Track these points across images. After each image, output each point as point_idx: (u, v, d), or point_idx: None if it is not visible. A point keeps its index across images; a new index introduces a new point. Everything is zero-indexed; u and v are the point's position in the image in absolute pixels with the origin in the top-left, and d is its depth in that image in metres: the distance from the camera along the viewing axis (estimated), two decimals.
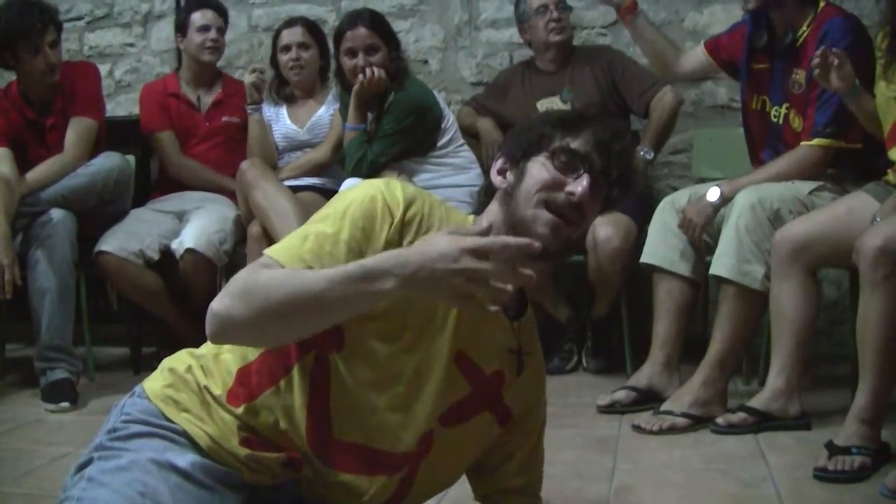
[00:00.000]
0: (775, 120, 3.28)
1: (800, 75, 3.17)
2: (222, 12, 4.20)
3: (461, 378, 1.63)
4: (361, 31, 3.71)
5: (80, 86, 3.84)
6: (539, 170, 1.60)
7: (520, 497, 1.83)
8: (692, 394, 3.01)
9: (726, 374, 3.07)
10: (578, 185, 1.58)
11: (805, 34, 3.16)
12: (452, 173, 3.83)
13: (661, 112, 3.82)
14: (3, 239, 3.39)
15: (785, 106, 3.24)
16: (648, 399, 3.19)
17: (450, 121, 3.87)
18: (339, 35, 3.77)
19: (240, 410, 1.58)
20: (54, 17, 3.72)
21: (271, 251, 1.57)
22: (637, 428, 2.99)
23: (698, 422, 2.97)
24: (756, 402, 2.92)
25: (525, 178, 1.61)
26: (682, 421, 2.97)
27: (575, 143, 1.61)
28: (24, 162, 3.72)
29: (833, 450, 2.53)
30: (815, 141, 3.10)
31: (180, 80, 4.24)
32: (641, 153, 3.76)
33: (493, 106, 4.09)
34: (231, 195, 4.00)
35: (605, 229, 3.52)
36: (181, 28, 4.18)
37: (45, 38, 3.64)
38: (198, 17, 4.12)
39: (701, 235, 3.17)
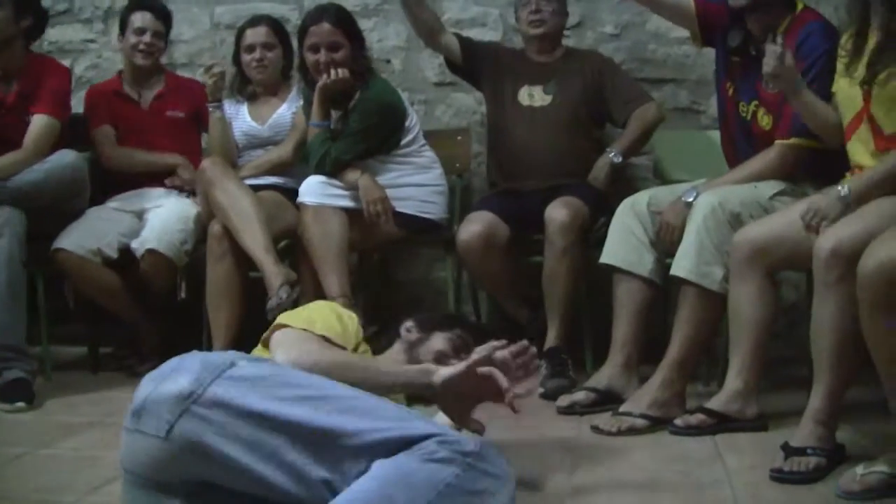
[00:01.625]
0: (743, 115, 3.30)
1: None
2: (162, 16, 4.14)
3: None
4: (325, 26, 3.70)
5: (48, 82, 3.83)
6: (442, 341, 2.43)
7: None
8: (651, 395, 3.02)
9: (685, 376, 3.08)
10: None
11: (784, 33, 3.15)
12: (415, 172, 3.83)
13: (642, 122, 3.84)
14: None
15: (754, 104, 3.25)
16: (608, 400, 3.19)
17: (413, 120, 3.87)
18: (303, 30, 3.77)
19: None
20: None
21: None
22: (596, 429, 2.99)
23: (657, 423, 2.98)
24: (714, 403, 2.93)
25: (430, 340, 2.44)
26: (640, 422, 2.98)
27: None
28: None
29: (789, 451, 2.55)
30: (793, 140, 3.12)
31: (123, 79, 4.20)
32: (610, 155, 3.77)
33: (481, 53, 4.04)
34: (171, 172, 4.03)
35: (556, 209, 3.55)
36: (122, 28, 4.14)
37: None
38: (136, 19, 4.08)
39: (679, 238, 3.14)
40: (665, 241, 3.21)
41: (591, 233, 3.67)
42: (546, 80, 3.93)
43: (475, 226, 3.66)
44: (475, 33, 4.36)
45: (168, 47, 4.30)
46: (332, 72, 3.67)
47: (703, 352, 3.23)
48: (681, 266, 3.03)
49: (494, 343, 2.14)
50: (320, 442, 1.73)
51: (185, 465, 1.83)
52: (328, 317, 2.35)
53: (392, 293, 4.17)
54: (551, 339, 3.60)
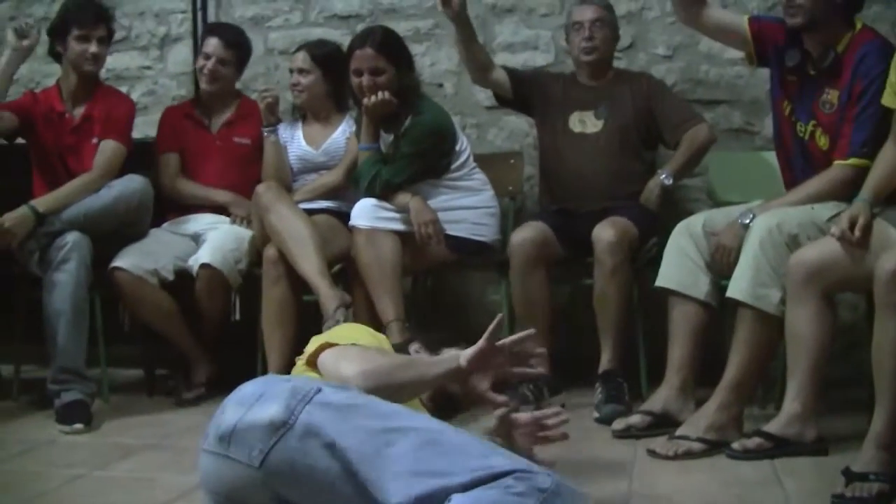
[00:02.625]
0: (801, 135, 3.27)
1: (832, 95, 3.16)
2: (233, 44, 4.19)
3: None
4: (368, 51, 3.74)
5: (115, 112, 3.97)
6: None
7: None
8: (708, 418, 2.99)
9: (742, 399, 3.05)
10: None
11: (844, 51, 3.14)
12: (466, 195, 3.83)
13: (693, 144, 3.80)
14: None
15: (812, 123, 3.22)
16: (664, 423, 3.16)
17: (463, 144, 3.89)
18: (348, 52, 3.81)
19: None
20: (108, 20, 3.95)
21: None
22: (652, 453, 2.96)
23: (714, 447, 2.95)
24: (772, 426, 2.89)
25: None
26: (697, 446, 2.95)
27: None
28: (39, 148, 3.95)
29: (850, 476, 2.51)
30: (851, 160, 3.09)
31: (197, 101, 4.28)
32: (661, 177, 3.75)
33: (530, 85, 4.04)
34: (224, 209, 4.08)
35: (604, 229, 3.54)
36: (197, 52, 4.26)
37: (95, 31, 3.86)
38: (206, 43, 4.18)
39: (735, 260, 3.11)
40: (721, 264, 3.19)
41: (640, 253, 3.66)
42: (597, 105, 3.92)
43: (529, 231, 3.66)
44: (527, 57, 4.38)
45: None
46: (376, 94, 3.69)
47: (761, 375, 3.19)
48: (737, 288, 3.00)
49: (529, 331, 2.28)
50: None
51: (276, 489, 1.83)
52: (364, 334, 2.40)
53: (444, 317, 4.15)
54: (605, 363, 3.57)
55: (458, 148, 3.85)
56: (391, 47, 3.79)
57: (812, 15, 3.13)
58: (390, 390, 2.02)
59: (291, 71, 4.12)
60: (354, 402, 1.86)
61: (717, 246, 3.20)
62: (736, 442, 2.92)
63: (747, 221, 3.12)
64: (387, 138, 3.84)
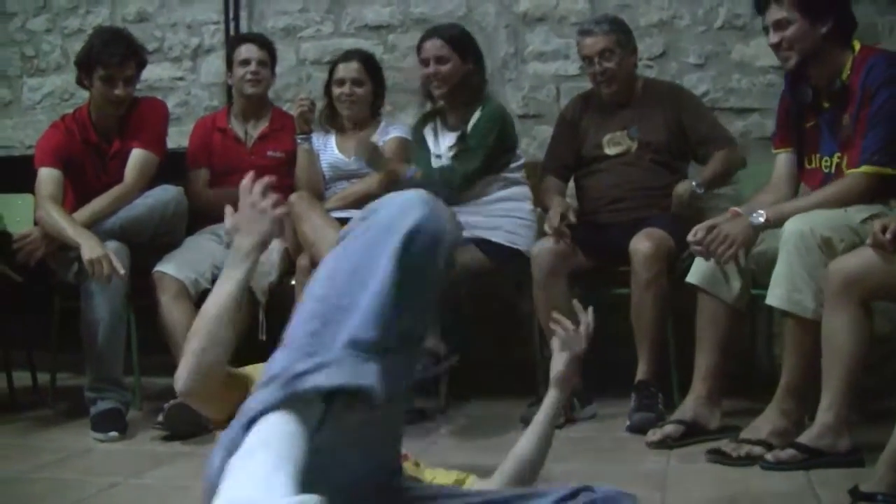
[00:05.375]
0: (826, 171, 3.23)
1: (847, 118, 3.14)
2: (265, 45, 4.22)
3: None
4: (436, 41, 3.84)
5: (147, 120, 3.92)
6: None
7: None
8: (770, 423, 2.98)
9: (802, 404, 3.00)
10: None
11: (848, 77, 3.12)
12: (508, 202, 3.86)
13: (727, 161, 3.83)
14: (90, 238, 3.53)
15: (836, 155, 3.19)
16: (695, 432, 3.16)
17: (520, 152, 3.95)
18: (418, 47, 3.91)
19: None
20: (139, 54, 3.84)
21: None
22: (716, 453, 2.96)
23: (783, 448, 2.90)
24: (805, 437, 2.86)
25: None
26: (758, 449, 2.92)
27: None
28: (82, 184, 3.84)
29: (857, 496, 2.45)
30: (863, 168, 3.06)
31: (230, 114, 4.29)
32: (693, 183, 3.74)
33: (568, 148, 4.03)
34: None
35: (640, 241, 3.54)
36: (229, 65, 4.26)
37: (122, 72, 3.75)
38: (241, 51, 4.19)
39: (736, 254, 3.12)
40: (714, 251, 3.14)
41: (677, 262, 3.64)
42: (628, 125, 3.90)
43: (550, 241, 3.68)
44: (557, 66, 4.40)
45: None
46: (440, 85, 3.84)
47: (815, 378, 3.03)
48: (774, 295, 2.98)
49: None
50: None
51: None
52: None
53: (476, 325, 4.15)
54: (640, 373, 3.56)
55: (516, 154, 3.92)
56: (458, 39, 3.88)
57: (802, 53, 3.12)
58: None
59: (342, 81, 4.11)
60: None
61: (719, 232, 3.14)
62: (769, 453, 2.90)
63: (757, 221, 3.11)
64: (451, 137, 3.88)
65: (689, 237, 3.19)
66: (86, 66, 3.78)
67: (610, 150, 3.90)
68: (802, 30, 3.09)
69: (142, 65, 3.88)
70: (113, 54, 3.72)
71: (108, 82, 3.74)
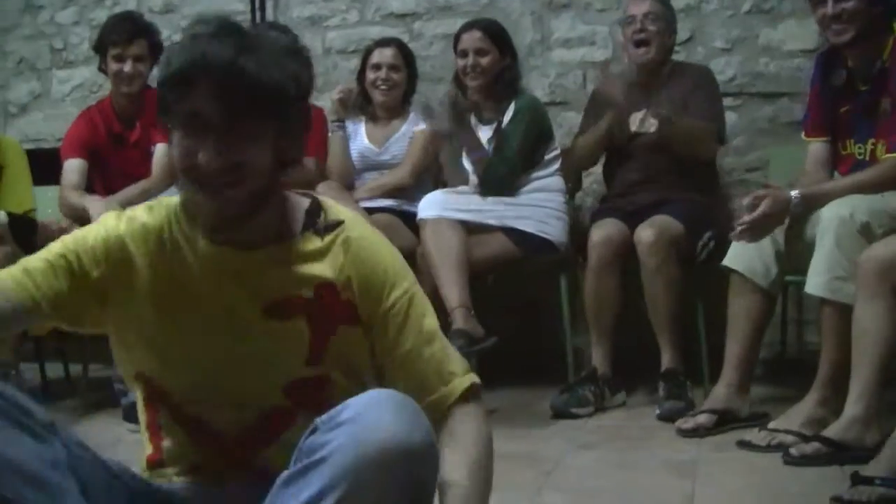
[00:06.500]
0: (860, 157, 3.20)
1: (886, 102, 3.10)
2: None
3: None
4: (475, 33, 3.87)
5: None
6: None
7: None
8: (805, 413, 2.95)
9: (840, 393, 2.93)
10: None
11: (887, 62, 3.09)
12: (540, 193, 3.83)
13: (699, 131, 3.77)
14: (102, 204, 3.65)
15: (871, 141, 3.16)
16: (727, 420, 3.15)
17: (555, 143, 3.95)
18: (456, 38, 3.93)
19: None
20: (150, 35, 3.94)
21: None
22: (746, 444, 2.96)
23: (808, 441, 2.86)
24: (831, 431, 2.81)
25: None
26: (790, 438, 2.91)
27: None
28: (104, 172, 3.94)
29: (857, 479, 2.45)
30: None
31: None
32: (651, 112, 3.76)
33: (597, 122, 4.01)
34: None
35: (643, 230, 3.55)
36: None
37: (129, 48, 3.85)
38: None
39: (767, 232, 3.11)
40: (750, 227, 3.10)
41: (697, 247, 3.64)
42: (654, 106, 3.85)
43: (608, 229, 3.66)
44: (584, 52, 4.38)
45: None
46: (478, 78, 3.83)
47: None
48: (813, 283, 2.95)
49: None
50: None
51: None
52: None
53: (505, 315, 4.14)
54: (666, 361, 3.55)
55: (551, 145, 3.91)
56: (497, 33, 3.90)
57: (858, 29, 3.07)
58: None
59: (377, 66, 4.11)
60: None
61: (763, 212, 3.07)
62: (793, 447, 2.86)
63: (793, 195, 3.07)
64: (486, 130, 3.88)
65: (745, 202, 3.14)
66: (100, 49, 3.93)
67: (635, 128, 3.88)
68: (861, 6, 3.05)
69: (155, 47, 3.93)
70: (120, 32, 3.87)
71: (118, 61, 3.86)
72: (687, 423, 3.19)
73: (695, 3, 4.32)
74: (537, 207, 3.79)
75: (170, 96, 1.52)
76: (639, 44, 3.83)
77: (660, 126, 3.72)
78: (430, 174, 4.18)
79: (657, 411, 3.42)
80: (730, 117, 4.03)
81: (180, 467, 1.69)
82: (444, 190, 3.87)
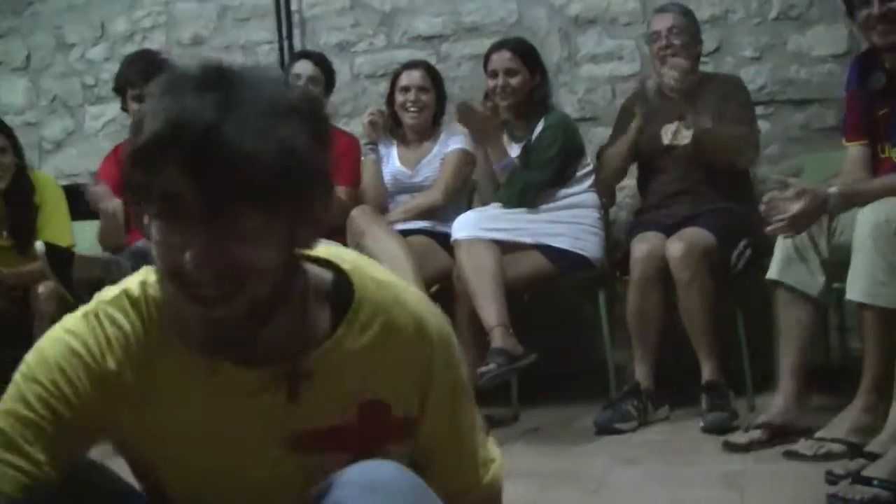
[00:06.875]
0: None
1: None
2: (318, 61, 4.27)
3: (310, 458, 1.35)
4: (505, 53, 3.89)
5: None
6: None
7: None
8: (851, 421, 2.90)
9: (886, 400, 2.86)
10: None
11: None
12: (574, 210, 3.82)
13: (736, 140, 3.74)
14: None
15: None
16: (782, 433, 3.09)
17: (587, 160, 3.95)
18: (486, 58, 3.95)
19: None
20: (163, 70, 3.85)
21: None
22: (793, 454, 2.91)
23: (856, 449, 2.80)
24: (875, 444, 2.72)
25: None
26: (837, 447, 2.86)
27: None
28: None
29: (856, 479, 2.43)
30: None
31: None
32: (687, 122, 3.74)
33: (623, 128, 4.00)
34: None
35: (673, 244, 3.53)
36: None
37: (145, 89, 3.77)
38: (294, 68, 4.24)
39: (808, 223, 3.04)
40: (791, 221, 3.03)
41: (732, 257, 3.60)
42: (691, 114, 3.81)
43: (650, 242, 3.63)
44: (611, 67, 4.38)
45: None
46: (506, 98, 3.85)
47: None
48: (854, 289, 2.90)
49: None
50: None
51: None
52: None
53: (541, 332, 4.14)
54: (707, 374, 3.52)
55: (583, 161, 3.90)
56: (526, 52, 3.93)
57: None
58: None
59: (406, 89, 4.13)
60: None
61: (803, 207, 3.00)
62: (837, 464, 2.76)
63: (832, 190, 3.02)
64: (516, 148, 3.88)
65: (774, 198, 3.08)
66: (119, 90, 4.00)
67: (667, 140, 3.87)
68: None
69: None
70: (136, 72, 3.92)
71: (137, 101, 3.90)
72: (740, 438, 3.13)
73: (721, 13, 4.31)
74: (572, 224, 3.78)
75: (137, 176, 1.18)
76: (665, 59, 3.83)
77: (697, 137, 3.71)
78: (464, 194, 4.19)
79: (701, 424, 3.39)
80: (762, 125, 4.01)
81: None
82: (477, 209, 3.87)
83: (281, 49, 4.83)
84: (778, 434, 3.09)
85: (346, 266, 1.36)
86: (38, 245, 3.51)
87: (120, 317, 1.30)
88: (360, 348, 1.32)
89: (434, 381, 1.40)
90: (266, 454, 1.32)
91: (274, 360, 1.29)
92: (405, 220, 4.02)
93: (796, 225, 3.06)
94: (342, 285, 1.34)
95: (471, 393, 1.49)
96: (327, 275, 1.35)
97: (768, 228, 3.11)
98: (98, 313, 1.31)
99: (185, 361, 1.28)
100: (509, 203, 3.80)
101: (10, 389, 1.26)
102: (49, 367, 1.26)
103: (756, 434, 3.11)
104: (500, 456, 1.57)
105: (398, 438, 1.38)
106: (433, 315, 1.42)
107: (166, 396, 1.29)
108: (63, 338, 1.29)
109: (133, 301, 1.31)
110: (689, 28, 3.88)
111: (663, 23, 3.85)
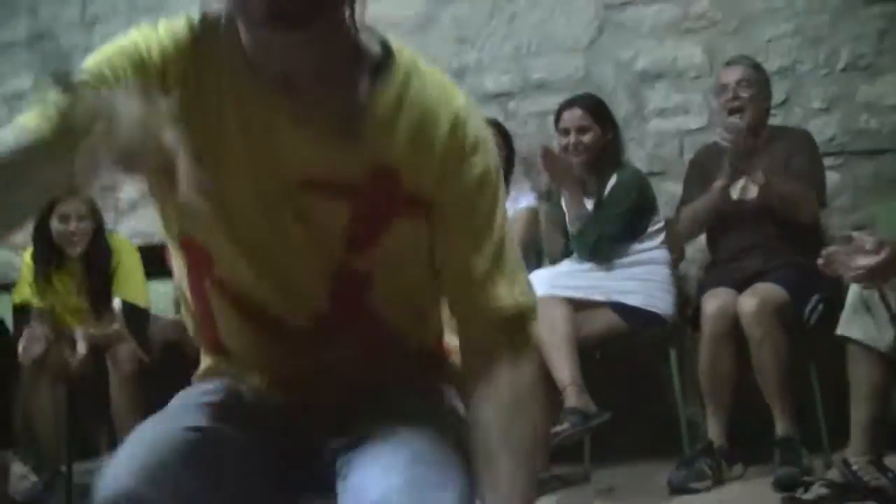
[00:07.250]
0: None
1: None
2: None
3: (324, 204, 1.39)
4: (577, 111, 3.94)
5: None
6: None
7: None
8: None
9: None
10: None
11: None
12: (647, 266, 3.84)
13: (801, 197, 3.72)
14: None
15: None
16: (852, 489, 3.05)
17: (660, 216, 3.97)
18: (556, 116, 4.01)
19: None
20: None
21: None
22: None
23: None
24: None
25: None
26: None
27: None
28: None
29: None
30: None
31: None
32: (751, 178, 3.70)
33: (699, 191, 3.95)
34: None
35: (745, 300, 3.50)
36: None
37: None
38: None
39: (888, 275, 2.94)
40: (871, 272, 2.93)
41: (805, 312, 3.58)
42: (752, 172, 3.77)
43: (722, 298, 3.61)
44: (679, 122, 4.39)
45: None
46: (579, 155, 3.89)
47: None
48: None
49: None
50: None
51: None
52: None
53: (614, 389, 4.12)
54: (779, 429, 3.48)
55: (655, 217, 3.92)
56: (597, 109, 3.97)
57: None
58: None
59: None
60: None
61: (886, 257, 2.88)
62: None
63: None
64: (589, 203, 3.90)
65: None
66: None
67: (736, 196, 3.85)
68: None
69: None
70: None
71: None
72: (806, 493, 3.10)
73: (789, 65, 4.30)
74: (644, 281, 3.79)
75: None
76: (733, 111, 3.82)
77: (760, 192, 3.69)
78: (532, 251, 4.20)
79: (772, 479, 3.34)
80: (832, 177, 3.99)
81: (245, 362, 1.54)
82: (549, 268, 3.88)
83: None
84: (845, 492, 3.04)
85: (393, 44, 1.41)
86: (116, 302, 3.57)
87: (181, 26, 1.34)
88: (387, 113, 1.37)
89: (455, 165, 1.41)
90: (285, 190, 1.36)
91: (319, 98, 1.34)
92: None
93: (876, 277, 3.01)
94: (386, 58, 1.40)
95: (502, 198, 1.48)
96: (376, 47, 1.39)
97: (847, 277, 3.06)
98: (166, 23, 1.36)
99: (237, 81, 1.32)
100: (581, 254, 3.81)
101: None
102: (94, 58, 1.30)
103: (822, 491, 3.07)
104: (536, 298, 1.52)
105: (406, 214, 1.40)
106: (473, 111, 1.48)
107: (211, 111, 1.33)
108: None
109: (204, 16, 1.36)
110: (759, 81, 3.89)
111: (732, 76, 3.86)
